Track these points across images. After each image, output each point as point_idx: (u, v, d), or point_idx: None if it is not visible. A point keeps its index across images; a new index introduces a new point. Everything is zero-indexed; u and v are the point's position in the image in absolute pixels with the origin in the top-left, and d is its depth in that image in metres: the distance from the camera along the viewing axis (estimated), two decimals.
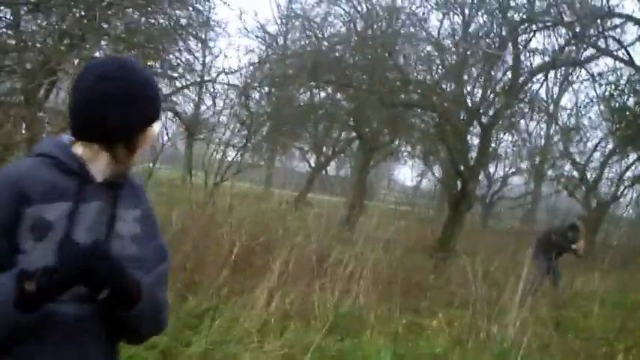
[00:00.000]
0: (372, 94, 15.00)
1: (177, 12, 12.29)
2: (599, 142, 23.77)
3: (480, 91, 15.97)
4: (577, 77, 23.16)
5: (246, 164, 15.19)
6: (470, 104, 15.55)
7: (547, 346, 7.43)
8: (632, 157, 22.53)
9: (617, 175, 24.06)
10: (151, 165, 11.99)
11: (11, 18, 9.83)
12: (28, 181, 1.78)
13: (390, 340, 6.87)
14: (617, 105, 18.15)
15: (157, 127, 1.94)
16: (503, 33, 14.68)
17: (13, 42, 9.64)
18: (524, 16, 14.49)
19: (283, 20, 23.70)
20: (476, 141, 17.12)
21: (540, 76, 16.60)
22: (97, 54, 10.58)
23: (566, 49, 15.76)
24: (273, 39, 22.94)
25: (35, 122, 8.60)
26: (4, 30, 10.13)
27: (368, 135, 20.14)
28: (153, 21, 11.78)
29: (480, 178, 19.34)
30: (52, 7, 9.58)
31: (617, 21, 16.22)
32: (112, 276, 1.72)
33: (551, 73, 17.76)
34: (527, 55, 15.47)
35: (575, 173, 23.91)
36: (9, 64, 9.60)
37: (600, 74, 17.28)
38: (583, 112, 22.68)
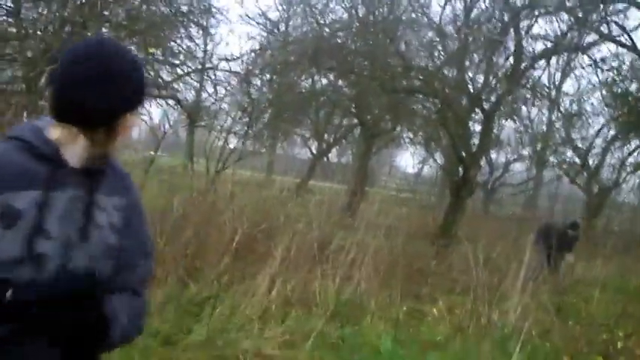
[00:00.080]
0: (374, 80, 14.98)
1: None
2: (601, 128, 23.75)
3: (482, 77, 15.98)
4: (579, 63, 23.10)
5: (247, 151, 15.19)
6: (472, 90, 15.54)
7: (548, 332, 7.44)
8: (635, 143, 22.52)
9: (619, 161, 24.06)
10: (152, 153, 12.00)
11: (12, 6, 9.82)
12: None
13: (391, 326, 6.90)
14: (619, 91, 18.14)
15: (139, 114, 1.85)
16: (505, 19, 14.63)
17: (14, 30, 9.65)
18: (526, 2, 14.43)
19: (284, 7, 23.73)
20: (478, 127, 17.13)
21: (542, 62, 16.58)
22: None
23: (569, 34, 15.72)
24: (274, 26, 22.93)
25: (36, 110, 8.60)
26: (4, 18, 10.13)
27: (369, 121, 20.11)
28: (154, 8, 11.77)
29: (481, 164, 19.32)
30: None
31: (620, 6, 16.21)
32: (93, 325, 1.71)
33: (554, 59, 17.73)
34: (530, 40, 15.45)
35: (577, 159, 23.92)
36: (10, 52, 9.62)
37: (603, 60, 17.20)
38: (585, 98, 22.67)
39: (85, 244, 1.77)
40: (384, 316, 7.25)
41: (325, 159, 28.15)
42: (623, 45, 16.57)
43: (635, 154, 23.60)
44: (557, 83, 26.33)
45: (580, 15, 14.53)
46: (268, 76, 16.96)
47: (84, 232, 1.77)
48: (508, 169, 31.40)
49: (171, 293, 6.45)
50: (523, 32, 14.91)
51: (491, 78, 15.66)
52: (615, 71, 17.60)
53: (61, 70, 1.74)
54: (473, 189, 15.89)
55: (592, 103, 22.80)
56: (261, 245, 8.70)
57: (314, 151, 27.25)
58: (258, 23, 22.36)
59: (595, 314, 8.93)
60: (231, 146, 13.22)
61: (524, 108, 21.07)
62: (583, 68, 18.30)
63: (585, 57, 17.20)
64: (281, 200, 12.76)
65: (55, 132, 1.78)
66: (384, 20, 15.25)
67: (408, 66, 14.66)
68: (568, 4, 14.32)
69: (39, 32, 9.58)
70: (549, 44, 15.61)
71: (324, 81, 19.80)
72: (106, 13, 10.35)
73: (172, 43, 13.31)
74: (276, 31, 22.45)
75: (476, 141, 15.95)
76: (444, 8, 16.80)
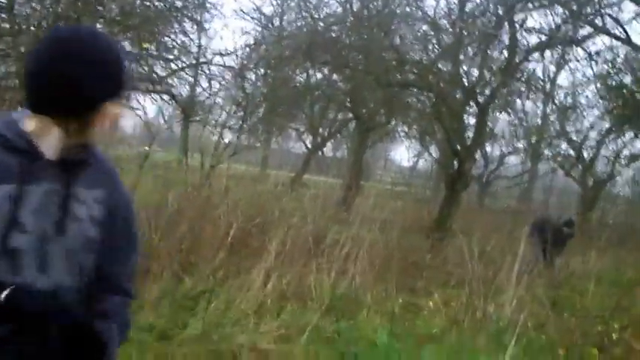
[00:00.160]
0: (369, 74, 14.98)
1: None
2: (595, 122, 23.78)
3: (477, 71, 15.94)
4: (574, 56, 23.07)
5: (242, 146, 15.19)
6: (466, 84, 15.52)
7: (543, 324, 7.46)
8: (629, 135, 22.54)
9: (613, 154, 24.08)
10: (147, 148, 11.98)
11: (5, 1, 9.77)
12: None
13: (387, 320, 6.91)
14: (613, 83, 18.14)
15: (119, 106, 1.78)
16: (500, 12, 14.63)
17: (7, 26, 9.60)
18: None
19: (279, 1, 23.59)
20: (472, 120, 17.12)
21: (537, 54, 16.55)
22: None
23: (563, 27, 15.69)
24: (268, 20, 22.85)
25: None
26: None
27: (364, 115, 20.10)
28: (148, 3, 11.73)
29: (476, 157, 19.31)
30: None
31: None
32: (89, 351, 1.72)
33: (548, 52, 17.68)
34: (524, 34, 15.44)
35: (572, 152, 23.94)
36: (3, 47, 9.57)
37: (597, 53, 17.20)
38: (580, 91, 22.64)
39: (62, 238, 1.74)
40: (379, 310, 7.25)
41: (320, 153, 28.11)
42: (617, 38, 16.59)
43: (630, 146, 23.63)
44: (551, 76, 26.23)
45: (574, 8, 14.53)
46: (263, 70, 16.96)
47: (60, 226, 1.74)
48: (503, 162, 31.44)
49: (166, 288, 6.45)
50: (517, 25, 14.90)
51: (485, 71, 15.64)
52: (610, 64, 17.64)
53: (37, 54, 1.70)
54: (468, 182, 15.91)
55: (586, 96, 22.75)
56: (256, 240, 8.69)
57: (309, 146, 27.21)
58: (252, 18, 22.37)
59: (590, 307, 8.94)
60: (226, 141, 13.23)
61: (518, 101, 21.11)
62: (578, 61, 18.22)
63: (580, 50, 17.18)
64: (276, 194, 12.76)
65: (30, 124, 1.73)
66: (378, 14, 15.24)
67: (403, 60, 14.65)
68: None
69: (32, 28, 9.55)
70: (544, 37, 15.59)
71: (319, 75, 19.80)
72: (99, 8, 10.32)
73: (166, 38, 13.29)
74: (270, 25, 22.38)
75: (470, 134, 15.98)
76: (438, 2, 17.00)
